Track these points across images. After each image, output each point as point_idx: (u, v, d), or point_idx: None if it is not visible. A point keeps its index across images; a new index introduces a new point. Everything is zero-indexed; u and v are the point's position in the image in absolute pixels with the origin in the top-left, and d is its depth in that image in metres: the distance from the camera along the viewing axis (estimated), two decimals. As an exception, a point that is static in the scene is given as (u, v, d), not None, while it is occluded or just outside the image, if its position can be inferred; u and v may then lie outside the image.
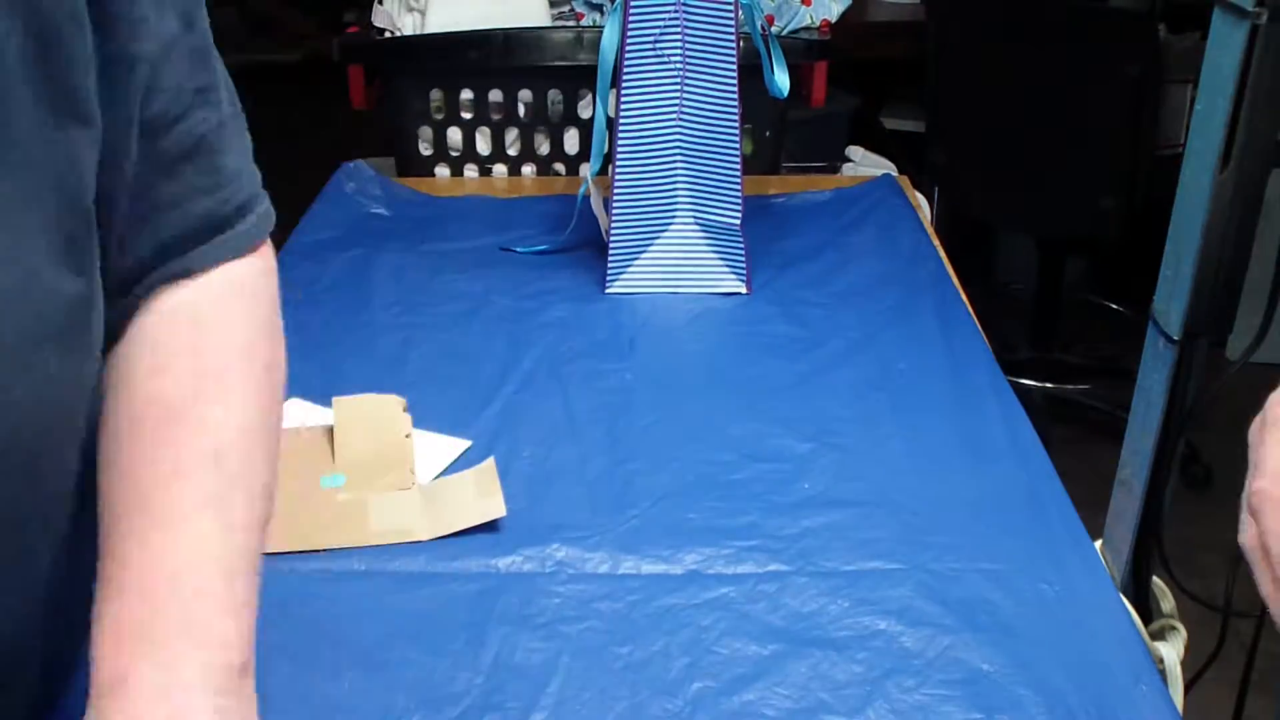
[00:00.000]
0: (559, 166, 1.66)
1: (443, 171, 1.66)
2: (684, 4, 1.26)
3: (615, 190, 1.31)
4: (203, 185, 0.69)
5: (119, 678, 0.59)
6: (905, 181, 1.63)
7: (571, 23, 1.72)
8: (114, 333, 0.68)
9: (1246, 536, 0.56)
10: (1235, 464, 0.60)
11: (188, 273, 0.69)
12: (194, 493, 0.64)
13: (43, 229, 0.59)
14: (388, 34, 1.67)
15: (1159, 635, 0.90)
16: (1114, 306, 2.98)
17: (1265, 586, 0.55)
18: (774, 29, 1.63)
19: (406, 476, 1.00)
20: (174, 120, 0.66)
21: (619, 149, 1.30)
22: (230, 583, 0.63)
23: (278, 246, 0.78)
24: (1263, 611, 0.56)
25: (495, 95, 1.60)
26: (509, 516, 0.97)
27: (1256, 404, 0.58)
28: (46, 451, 0.63)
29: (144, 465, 0.64)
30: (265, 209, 0.73)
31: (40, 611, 0.68)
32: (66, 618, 0.69)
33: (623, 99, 1.29)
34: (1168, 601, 0.95)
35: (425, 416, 1.06)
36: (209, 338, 0.69)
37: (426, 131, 1.63)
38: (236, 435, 0.67)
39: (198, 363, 0.68)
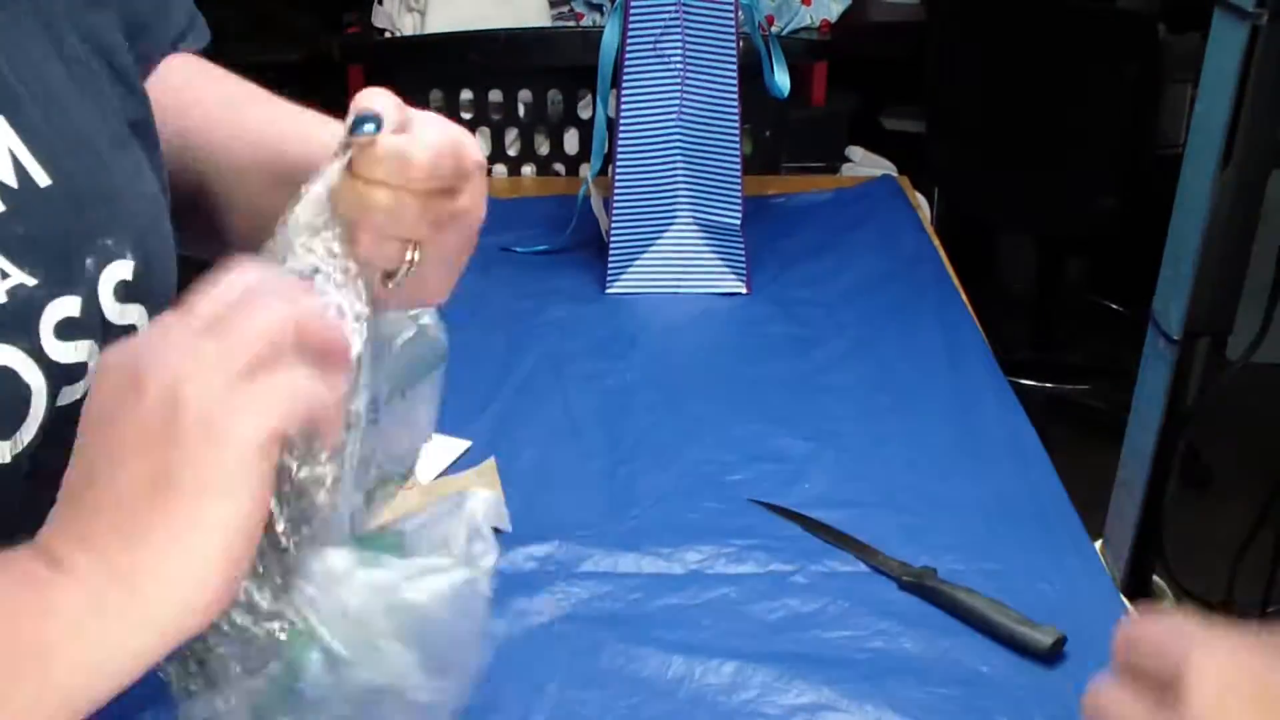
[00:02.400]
0: (559, 167, 1.66)
1: (443, 171, 1.66)
2: (684, 4, 1.26)
3: (615, 190, 1.31)
4: None
5: None
6: (905, 181, 1.63)
7: (571, 23, 1.72)
8: None
9: None
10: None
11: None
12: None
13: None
14: (388, 34, 1.68)
15: (1159, 635, 0.90)
16: (1114, 306, 2.98)
17: None
18: (774, 29, 1.63)
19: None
20: None
21: (619, 149, 1.30)
22: None
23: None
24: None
25: (495, 95, 1.60)
26: (509, 516, 0.96)
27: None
28: None
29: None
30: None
31: None
32: None
33: (623, 99, 1.29)
34: (1168, 601, 0.95)
35: (425, 416, 1.06)
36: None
37: (426, 131, 1.63)
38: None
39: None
